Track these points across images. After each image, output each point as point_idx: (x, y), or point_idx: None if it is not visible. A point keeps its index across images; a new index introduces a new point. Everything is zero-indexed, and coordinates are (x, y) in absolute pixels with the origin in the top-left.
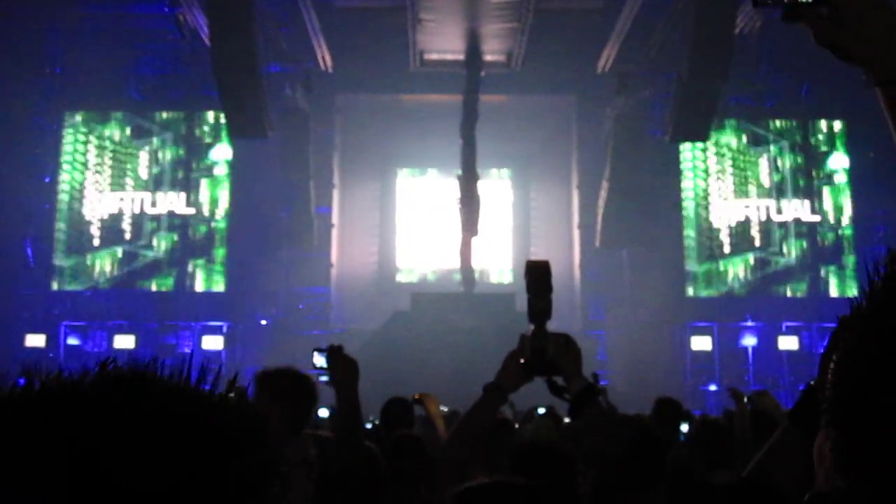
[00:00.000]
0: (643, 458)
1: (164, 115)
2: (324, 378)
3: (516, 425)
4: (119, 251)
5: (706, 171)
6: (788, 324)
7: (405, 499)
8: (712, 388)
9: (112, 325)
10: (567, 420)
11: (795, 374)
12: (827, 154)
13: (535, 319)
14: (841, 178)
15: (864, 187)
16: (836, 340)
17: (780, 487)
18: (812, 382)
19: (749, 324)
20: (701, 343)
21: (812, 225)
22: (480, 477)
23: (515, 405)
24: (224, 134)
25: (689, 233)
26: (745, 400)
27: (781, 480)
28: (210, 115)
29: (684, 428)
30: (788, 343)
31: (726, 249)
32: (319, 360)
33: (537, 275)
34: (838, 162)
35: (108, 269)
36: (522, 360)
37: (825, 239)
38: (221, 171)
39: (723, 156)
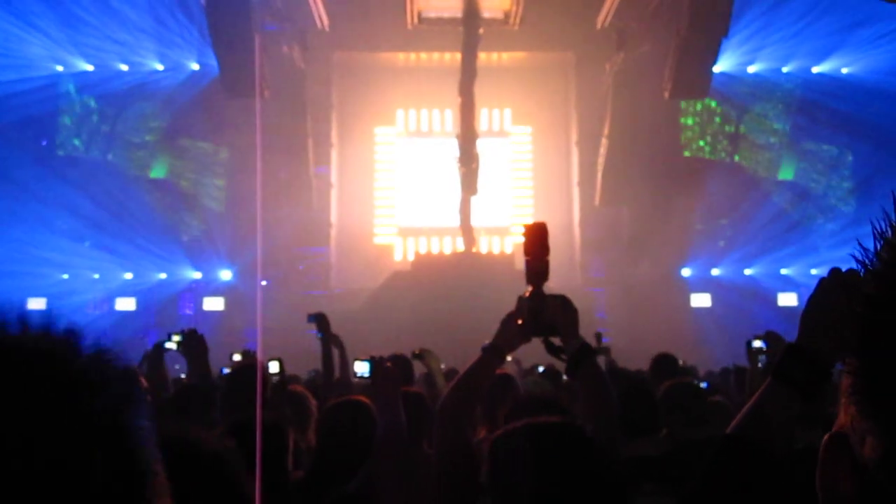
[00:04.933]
0: (635, 410)
1: (162, 74)
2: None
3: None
4: None
5: (706, 126)
6: (788, 280)
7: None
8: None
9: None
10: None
11: (795, 330)
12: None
13: (532, 280)
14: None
15: (865, 142)
16: (818, 296)
17: (763, 444)
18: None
19: (748, 272)
20: (701, 300)
21: (812, 184)
22: (483, 430)
23: (521, 363)
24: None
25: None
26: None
27: (764, 437)
28: (208, 75)
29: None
30: (787, 300)
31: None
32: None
33: (534, 236)
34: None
35: None
36: (520, 321)
37: (826, 197)
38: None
39: (721, 112)
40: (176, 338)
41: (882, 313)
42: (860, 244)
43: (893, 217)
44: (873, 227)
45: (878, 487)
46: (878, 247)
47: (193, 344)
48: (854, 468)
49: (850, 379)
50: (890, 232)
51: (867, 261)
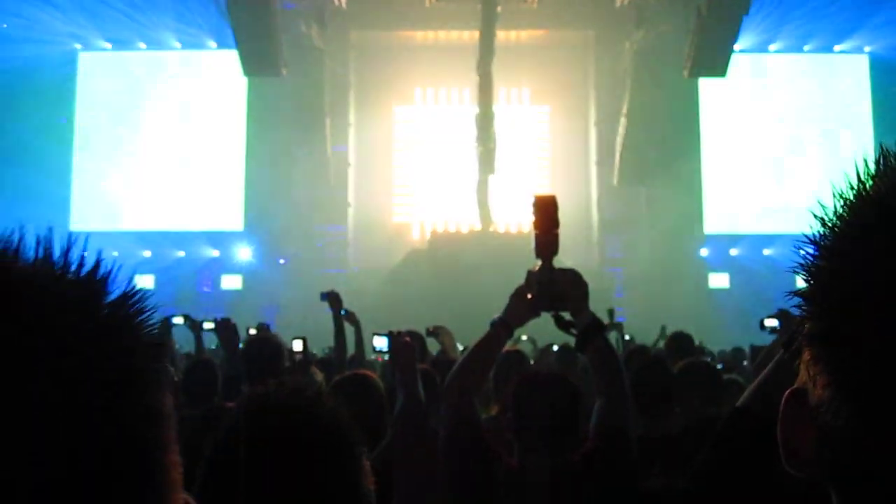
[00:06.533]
0: (650, 388)
1: (180, 53)
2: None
3: (532, 361)
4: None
5: (725, 104)
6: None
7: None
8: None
9: (133, 264)
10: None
11: None
12: (850, 88)
13: (541, 254)
14: (865, 112)
15: (889, 120)
16: None
17: (772, 417)
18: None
19: (767, 252)
20: (719, 280)
21: (832, 160)
22: (496, 407)
23: (536, 341)
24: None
25: (708, 167)
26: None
27: (773, 410)
28: (226, 54)
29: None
30: None
31: (744, 187)
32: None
33: (544, 210)
34: (861, 96)
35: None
36: (530, 296)
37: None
38: (238, 109)
39: (741, 89)
40: (209, 325)
41: (837, 263)
42: (819, 203)
43: (854, 180)
44: (833, 188)
45: (831, 431)
46: (837, 205)
47: (226, 332)
48: (811, 419)
49: (807, 326)
50: (848, 192)
51: (826, 218)
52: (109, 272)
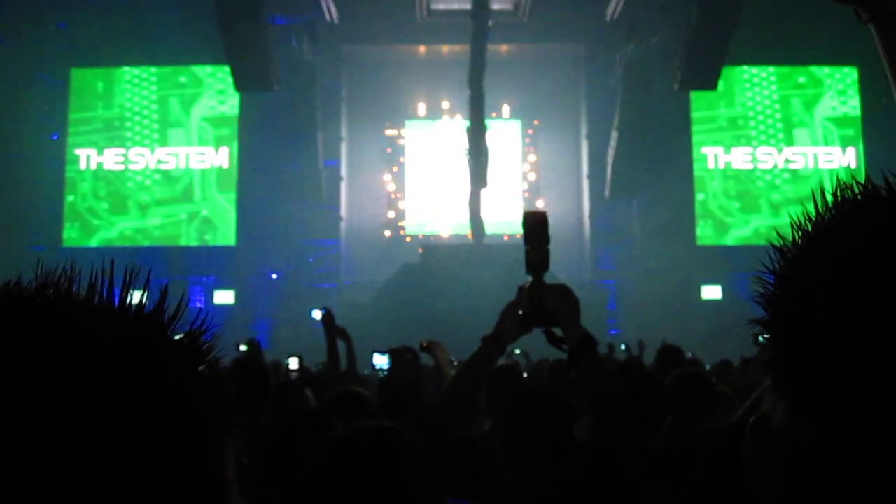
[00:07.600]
0: (642, 403)
1: (170, 68)
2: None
3: (525, 374)
4: (128, 206)
5: (715, 117)
6: None
7: None
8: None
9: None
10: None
11: None
12: (837, 101)
13: (532, 271)
14: (853, 125)
15: (875, 135)
16: None
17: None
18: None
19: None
20: (711, 292)
21: (822, 172)
22: (483, 421)
23: (529, 356)
24: (229, 87)
25: (699, 178)
26: None
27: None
28: (215, 69)
29: None
30: None
31: (735, 198)
32: (380, 361)
33: (535, 226)
34: (849, 109)
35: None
36: (521, 312)
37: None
38: (229, 124)
39: (730, 103)
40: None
41: (789, 292)
42: (779, 234)
43: (812, 211)
44: (791, 220)
45: (793, 456)
46: (795, 236)
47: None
48: (775, 445)
49: (767, 353)
50: (807, 223)
51: (784, 248)
52: (169, 309)
